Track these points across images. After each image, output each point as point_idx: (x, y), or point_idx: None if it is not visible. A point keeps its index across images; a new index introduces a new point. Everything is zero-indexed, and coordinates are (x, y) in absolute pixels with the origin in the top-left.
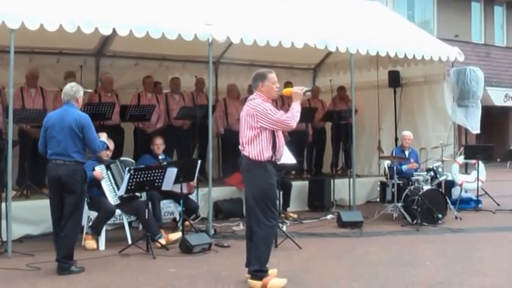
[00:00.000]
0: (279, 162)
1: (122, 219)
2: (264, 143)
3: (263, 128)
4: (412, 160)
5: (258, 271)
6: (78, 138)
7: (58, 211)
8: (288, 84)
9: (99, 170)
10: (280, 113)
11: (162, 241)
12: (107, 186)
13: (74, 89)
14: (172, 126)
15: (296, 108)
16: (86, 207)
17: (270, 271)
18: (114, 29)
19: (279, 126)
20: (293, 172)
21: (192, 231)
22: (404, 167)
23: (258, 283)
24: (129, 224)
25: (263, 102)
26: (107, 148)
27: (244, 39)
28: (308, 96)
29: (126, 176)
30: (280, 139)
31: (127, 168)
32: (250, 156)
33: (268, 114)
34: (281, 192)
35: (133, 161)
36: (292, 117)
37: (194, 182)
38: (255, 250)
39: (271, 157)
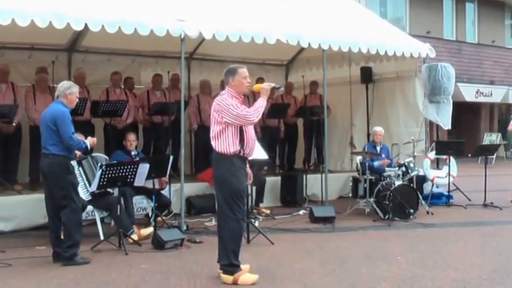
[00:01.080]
0: (250, 158)
1: (94, 215)
2: (230, 138)
3: (228, 123)
4: (383, 155)
5: (229, 265)
6: (53, 132)
7: (49, 203)
8: (260, 80)
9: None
10: (242, 108)
11: (135, 237)
12: (80, 181)
13: (64, 86)
14: (152, 122)
15: (260, 104)
16: None
17: (242, 266)
18: (86, 24)
19: (240, 121)
20: (265, 168)
21: (165, 227)
22: (376, 164)
23: (230, 278)
24: (101, 220)
25: (228, 98)
26: (86, 149)
27: (217, 34)
28: (281, 92)
29: (98, 172)
30: (249, 134)
31: (99, 164)
32: (217, 150)
33: (230, 109)
34: (254, 188)
35: (106, 156)
36: (254, 111)
37: (166, 178)
38: (222, 244)
39: (239, 151)
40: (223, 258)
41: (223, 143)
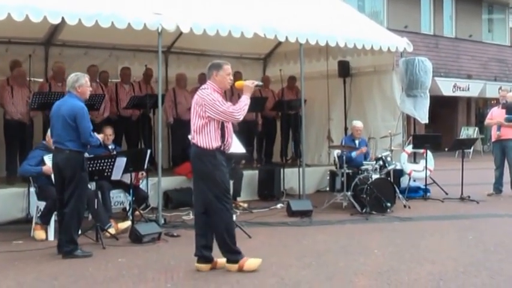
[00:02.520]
0: (228, 152)
1: None
2: (213, 133)
3: (211, 118)
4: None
5: (232, 254)
6: (71, 128)
7: (59, 197)
8: (238, 74)
9: (49, 167)
10: (228, 105)
11: (112, 231)
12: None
13: (72, 79)
14: (121, 116)
15: (245, 101)
16: (35, 197)
17: (220, 260)
18: (63, 18)
19: (225, 117)
20: (243, 161)
21: (142, 221)
22: (354, 154)
23: (234, 266)
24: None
25: (212, 92)
26: (100, 145)
27: (194, 28)
28: (259, 87)
29: None
30: (229, 129)
31: None
32: (199, 145)
33: (215, 105)
34: (232, 182)
35: None
36: (240, 109)
37: (143, 174)
38: (217, 236)
39: (220, 146)
40: (225, 249)
41: (205, 137)
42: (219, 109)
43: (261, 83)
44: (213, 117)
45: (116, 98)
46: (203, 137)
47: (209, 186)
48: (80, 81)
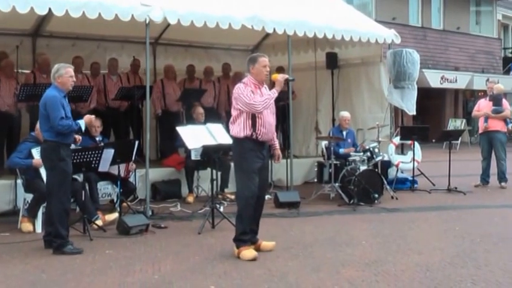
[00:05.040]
0: (261, 140)
1: None
2: (242, 123)
3: (241, 110)
4: (349, 141)
5: (235, 239)
6: (45, 118)
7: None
8: (279, 69)
9: (38, 159)
10: (251, 97)
11: (99, 222)
12: (42, 168)
13: (53, 70)
14: (109, 107)
15: (271, 95)
16: (22, 189)
17: (264, 243)
18: (50, 9)
19: (249, 109)
20: (231, 153)
21: (130, 213)
22: (342, 151)
23: (236, 250)
24: None
25: (244, 86)
26: (80, 130)
27: (182, 20)
28: (290, 81)
29: None
30: (264, 120)
31: None
32: (231, 134)
33: (241, 98)
34: (219, 173)
35: None
36: (261, 102)
37: (132, 167)
38: (235, 219)
39: (251, 135)
40: (235, 232)
41: (236, 127)
42: (243, 101)
43: (291, 78)
44: (242, 108)
45: (104, 90)
46: (235, 126)
47: (236, 171)
48: (60, 72)
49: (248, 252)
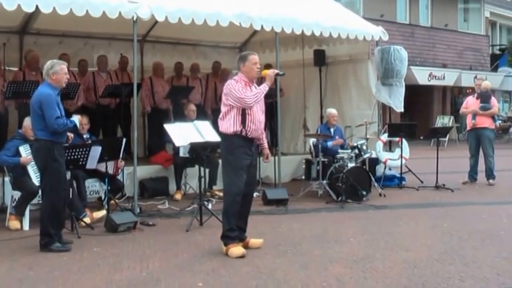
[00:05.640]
0: (250, 136)
1: None
2: (232, 119)
3: (232, 105)
4: (337, 137)
5: (223, 236)
6: (39, 116)
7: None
8: (268, 66)
9: (26, 157)
10: (242, 92)
11: (87, 220)
12: (30, 166)
13: (47, 66)
14: (99, 104)
15: (261, 90)
16: (9, 186)
17: (252, 240)
18: (37, 6)
19: (239, 103)
20: (219, 150)
21: (117, 210)
22: (330, 144)
23: (224, 248)
24: None
25: (236, 82)
26: (75, 128)
27: (169, 17)
28: (280, 76)
29: None
30: (253, 116)
31: None
32: (220, 129)
33: (232, 92)
34: (207, 171)
35: None
36: (252, 96)
37: (121, 164)
38: (221, 216)
39: (240, 131)
40: (222, 229)
41: (226, 123)
42: (235, 95)
43: (282, 73)
44: (232, 104)
45: (94, 87)
46: (224, 122)
47: (223, 167)
48: (54, 69)
49: (236, 249)
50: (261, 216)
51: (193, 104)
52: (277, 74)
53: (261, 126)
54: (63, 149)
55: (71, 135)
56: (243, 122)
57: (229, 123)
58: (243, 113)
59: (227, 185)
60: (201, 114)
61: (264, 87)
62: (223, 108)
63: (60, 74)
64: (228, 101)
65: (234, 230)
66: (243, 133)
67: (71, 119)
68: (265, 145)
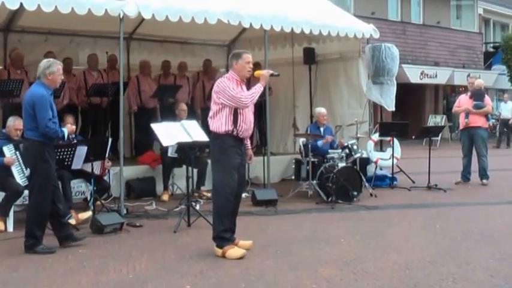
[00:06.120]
0: (242, 136)
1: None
2: (224, 118)
3: (224, 104)
4: (327, 136)
5: (217, 238)
6: (30, 116)
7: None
8: (258, 66)
9: (10, 157)
10: (237, 91)
11: (72, 221)
12: (14, 166)
13: (43, 65)
14: (91, 104)
15: (257, 89)
16: None
17: (244, 242)
18: (21, 3)
19: (234, 102)
20: (207, 150)
21: (104, 211)
22: (320, 143)
23: (219, 251)
24: None
25: (228, 80)
26: (63, 137)
27: (156, 14)
28: (275, 76)
29: None
30: (245, 116)
31: None
32: (211, 129)
33: (225, 91)
34: (195, 171)
35: None
36: (249, 96)
37: (108, 165)
38: (212, 217)
39: (232, 131)
40: (213, 231)
41: (217, 122)
42: (229, 94)
43: (276, 73)
44: (225, 103)
45: (86, 86)
46: (215, 121)
47: (214, 168)
48: (52, 69)
49: (235, 251)
50: (250, 217)
51: (184, 104)
52: (271, 75)
53: (251, 127)
54: (54, 150)
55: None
56: (235, 121)
57: (220, 122)
58: (235, 113)
59: (219, 184)
60: (190, 114)
61: (259, 88)
62: (213, 107)
63: (56, 75)
64: (220, 99)
65: (228, 230)
66: (234, 133)
67: (62, 128)
68: (249, 145)
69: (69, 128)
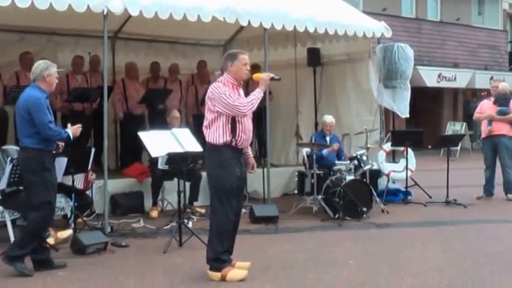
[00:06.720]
0: (240, 147)
1: (4, 216)
2: (221, 128)
3: (220, 113)
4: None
5: (215, 260)
6: (27, 122)
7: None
8: (256, 68)
9: None
10: (234, 98)
11: (51, 241)
12: None
13: (40, 67)
14: (73, 110)
15: (256, 96)
16: None
17: (241, 263)
18: None
19: (231, 111)
20: (200, 161)
21: (86, 229)
22: (325, 152)
23: (217, 274)
24: (13, 222)
25: (223, 85)
26: (68, 139)
27: (144, 11)
28: (276, 80)
29: (8, 167)
30: (244, 124)
31: (9, 158)
32: (207, 140)
33: (221, 98)
34: (188, 184)
35: (18, 148)
36: (248, 104)
37: (92, 177)
38: (210, 238)
39: (230, 142)
40: (209, 252)
41: (213, 133)
42: (225, 102)
43: (278, 77)
44: (221, 111)
45: (68, 90)
46: (212, 132)
47: (211, 183)
48: (50, 70)
49: (236, 272)
50: (248, 235)
51: (177, 111)
52: (272, 79)
53: (251, 136)
54: (53, 157)
55: (61, 143)
56: (233, 131)
57: (218, 133)
58: (233, 121)
59: (219, 201)
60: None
61: (259, 93)
62: (209, 115)
63: (53, 77)
64: (216, 107)
65: (227, 252)
66: (233, 143)
67: (66, 130)
68: (250, 154)
69: (72, 128)
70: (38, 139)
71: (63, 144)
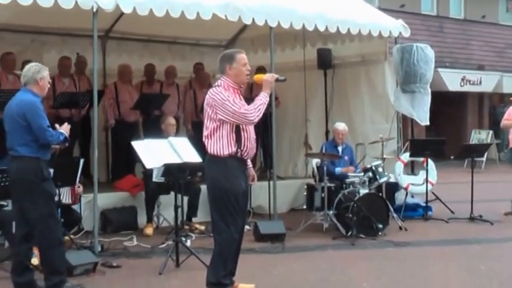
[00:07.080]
0: (246, 158)
1: None
2: (225, 138)
3: (223, 121)
4: (346, 158)
5: (216, 284)
6: (22, 128)
7: (21, 223)
8: (261, 70)
9: None
10: (240, 105)
11: (35, 261)
12: None
13: (33, 70)
14: (60, 117)
15: (262, 100)
16: None
17: (244, 285)
18: None
19: (237, 119)
20: (199, 173)
21: (73, 248)
22: (338, 170)
23: None
24: None
25: (224, 90)
26: (65, 140)
27: (138, 8)
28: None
29: None
30: (248, 133)
31: None
32: (210, 151)
33: (225, 105)
34: (186, 199)
35: None
36: (254, 110)
37: (79, 190)
38: (212, 259)
39: (236, 153)
40: (210, 275)
41: (216, 143)
42: (230, 109)
43: (282, 77)
44: (225, 119)
45: (54, 95)
46: (214, 142)
47: (214, 200)
48: (42, 73)
49: None
50: (253, 255)
51: (172, 118)
52: (277, 80)
53: (255, 145)
54: (49, 167)
55: (55, 147)
56: (238, 140)
57: (221, 143)
58: (238, 130)
59: (222, 218)
60: (179, 129)
61: (265, 98)
62: (209, 124)
63: (46, 81)
64: (218, 115)
65: (229, 274)
66: (238, 154)
67: (60, 130)
68: (250, 164)
69: (64, 128)
70: (35, 147)
71: (58, 148)
